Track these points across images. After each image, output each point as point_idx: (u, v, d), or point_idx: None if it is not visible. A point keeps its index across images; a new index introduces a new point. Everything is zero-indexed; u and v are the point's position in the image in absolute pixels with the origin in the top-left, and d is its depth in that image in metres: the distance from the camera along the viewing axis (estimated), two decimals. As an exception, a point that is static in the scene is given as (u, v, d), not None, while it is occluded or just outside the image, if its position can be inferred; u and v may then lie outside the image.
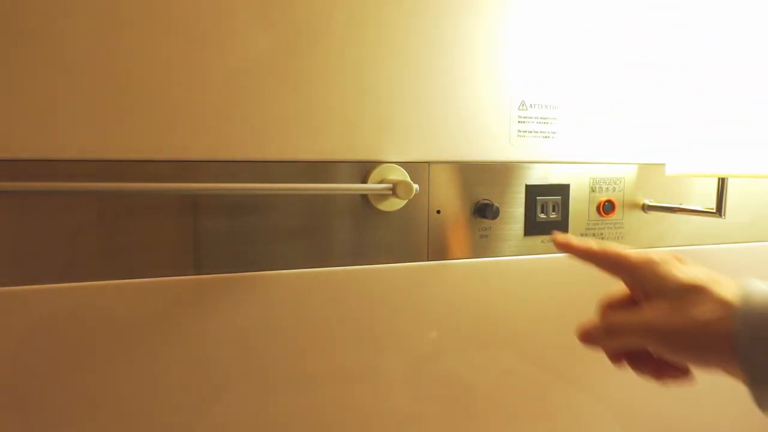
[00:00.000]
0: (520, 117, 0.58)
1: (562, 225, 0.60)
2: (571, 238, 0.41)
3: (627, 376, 0.64)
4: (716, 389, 0.70)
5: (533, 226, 0.59)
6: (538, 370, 0.61)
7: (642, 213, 0.64)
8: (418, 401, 0.57)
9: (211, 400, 0.49)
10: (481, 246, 0.57)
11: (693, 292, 0.33)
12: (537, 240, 0.59)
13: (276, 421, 0.52)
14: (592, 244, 0.40)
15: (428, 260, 0.55)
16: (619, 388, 0.65)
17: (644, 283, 0.36)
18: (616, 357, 0.39)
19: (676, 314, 0.33)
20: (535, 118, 0.58)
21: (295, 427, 0.52)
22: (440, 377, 0.57)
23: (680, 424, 0.69)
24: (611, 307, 0.41)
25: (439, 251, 0.56)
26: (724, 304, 0.31)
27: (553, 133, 0.59)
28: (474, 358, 0.58)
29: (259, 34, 0.48)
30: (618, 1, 0.60)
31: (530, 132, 0.58)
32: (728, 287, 0.32)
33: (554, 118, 0.59)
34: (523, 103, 0.57)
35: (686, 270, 0.35)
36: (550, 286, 0.60)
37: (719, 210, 0.59)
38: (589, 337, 0.38)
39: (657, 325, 0.34)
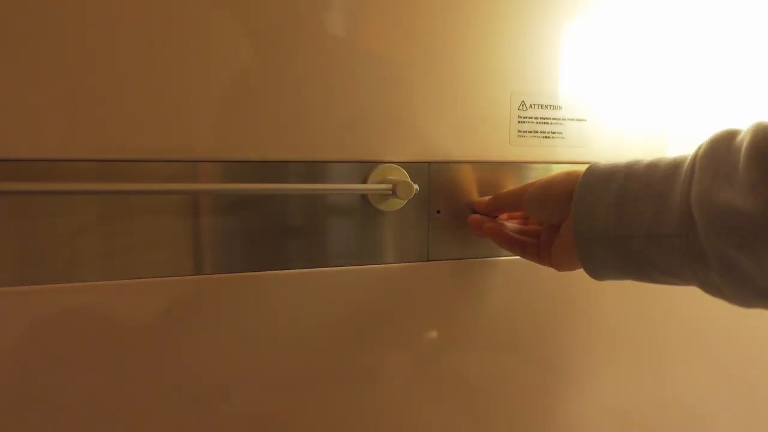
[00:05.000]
0: (520, 117, 0.58)
1: (563, 225, 0.60)
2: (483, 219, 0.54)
3: (628, 376, 0.65)
4: (716, 389, 0.70)
5: (533, 226, 0.59)
6: (539, 369, 0.61)
7: (642, 213, 0.64)
8: (418, 401, 0.57)
9: (211, 400, 0.49)
10: (482, 246, 0.57)
11: (555, 176, 0.46)
12: (537, 240, 0.59)
13: (276, 421, 0.52)
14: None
15: (428, 260, 0.55)
16: (621, 388, 0.65)
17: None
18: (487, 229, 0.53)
19: (543, 182, 0.46)
20: (536, 118, 0.58)
21: (295, 427, 0.52)
22: (440, 377, 0.57)
23: (680, 424, 0.69)
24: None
25: (439, 251, 0.56)
26: (575, 174, 0.43)
27: (554, 133, 0.59)
28: (475, 358, 0.58)
29: (259, 34, 0.48)
30: None
31: (530, 132, 0.58)
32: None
33: (555, 119, 0.59)
34: (523, 103, 0.57)
35: None
36: (551, 286, 0.60)
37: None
38: (478, 206, 0.55)
39: (529, 190, 0.47)
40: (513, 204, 0.50)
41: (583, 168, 0.43)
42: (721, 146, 0.33)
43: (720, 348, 0.69)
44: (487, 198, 0.54)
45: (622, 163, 0.41)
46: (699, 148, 0.36)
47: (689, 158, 0.36)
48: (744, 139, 0.32)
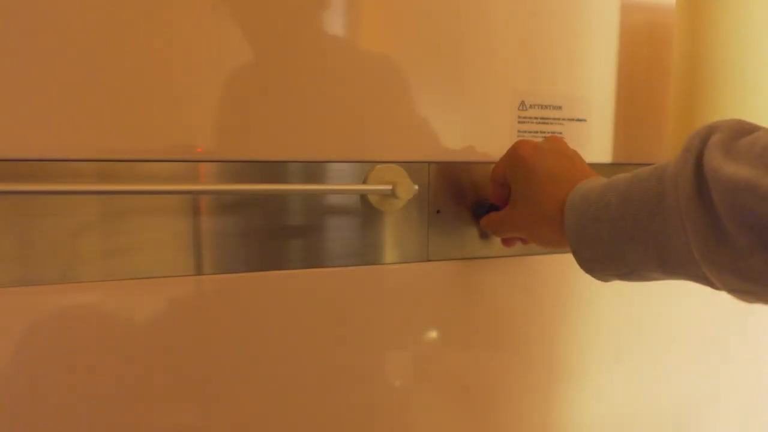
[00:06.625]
0: (520, 117, 0.58)
1: (563, 225, 0.60)
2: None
3: (629, 375, 0.65)
4: (717, 389, 0.70)
5: (533, 226, 0.59)
6: (539, 369, 0.61)
7: (642, 213, 0.64)
8: (418, 401, 0.57)
9: (211, 400, 0.49)
10: (481, 246, 0.57)
11: (534, 200, 0.45)
12: (537, 240, 0.59)
13: (276, 421, 0.52)
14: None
15: (428, 260, 0.55)
16: (621, 387, 0.65)
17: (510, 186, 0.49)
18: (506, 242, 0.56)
19: (528, 219, 0.47)
20: (536, 118, 0.58)
21: (294, 427, 0.52)
22: (440, 377, 0.57)
23: (680, 423, 0.69)
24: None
25: (439, 251, 0.56)
26: (559, 203, 0.43)
27: (554, 133, 0.59)
28: (474, 357, 0.58)
29: (259, 34, 0.48)
30: None
31: (530, 132, 0.58)
32: (564, 188, 0.43)
33: (555, 118, 0.59)
34: (523, 103, 0.57)
35: (530, 182, 0.46)
36: (551, 286, 0.60)
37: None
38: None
39: (520, 226, 0.49)
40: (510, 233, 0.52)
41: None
42: (694, 193, 0.32)
43: (721, 347, 0.69)
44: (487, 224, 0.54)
45: (592, 196, 0.40)
46: (676, 176, 0.33)
47: (668, 188, 0.34)
48: (712, 194, 0.30)
